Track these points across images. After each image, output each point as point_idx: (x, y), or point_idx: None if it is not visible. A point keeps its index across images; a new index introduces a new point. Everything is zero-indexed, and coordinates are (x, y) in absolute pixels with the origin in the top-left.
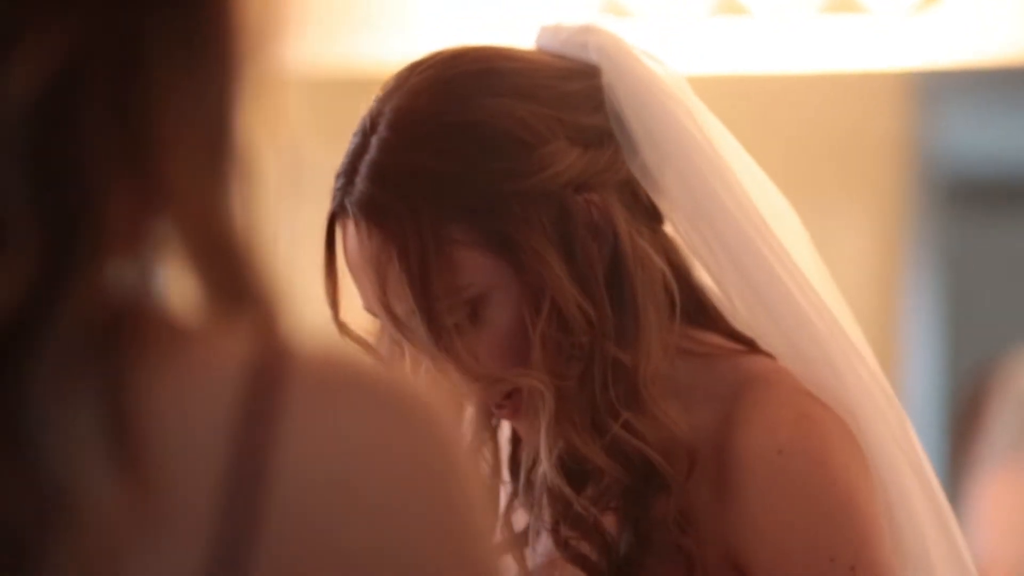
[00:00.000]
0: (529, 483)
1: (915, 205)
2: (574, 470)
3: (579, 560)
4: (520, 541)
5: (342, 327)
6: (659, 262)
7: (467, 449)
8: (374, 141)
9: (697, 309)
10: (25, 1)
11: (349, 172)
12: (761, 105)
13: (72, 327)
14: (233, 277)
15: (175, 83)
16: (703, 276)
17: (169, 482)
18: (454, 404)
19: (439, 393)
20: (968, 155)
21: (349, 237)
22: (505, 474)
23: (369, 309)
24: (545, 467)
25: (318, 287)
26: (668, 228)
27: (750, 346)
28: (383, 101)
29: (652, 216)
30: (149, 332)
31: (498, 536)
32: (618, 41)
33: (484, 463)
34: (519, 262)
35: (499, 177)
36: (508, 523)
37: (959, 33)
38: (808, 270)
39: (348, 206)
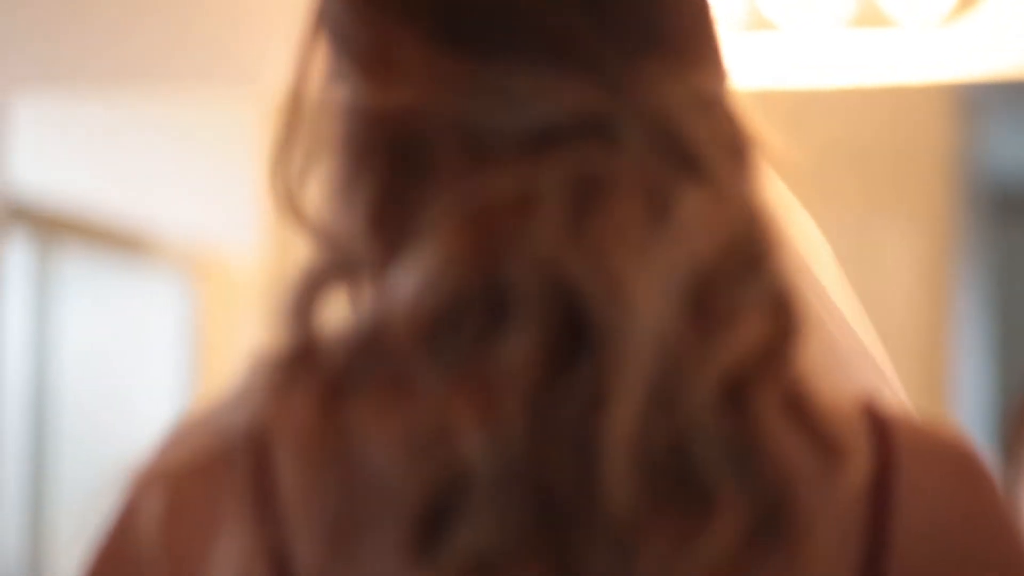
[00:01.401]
0: None
1: (961, 218)
2: None
3: None
4: None
5: None
6: None
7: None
8: None
9: None
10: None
11: None
12: (803, 119)
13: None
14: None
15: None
16: None
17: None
18: None
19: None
20: (1013, 166)
21: None
22: None
23: None
24: None
25: None
26: None
27: None
28: None
29: None
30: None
31: None
32: None
33: None
34: None
35: None
36: None
37: (996, 42)
38: (828, 285)
39: None
